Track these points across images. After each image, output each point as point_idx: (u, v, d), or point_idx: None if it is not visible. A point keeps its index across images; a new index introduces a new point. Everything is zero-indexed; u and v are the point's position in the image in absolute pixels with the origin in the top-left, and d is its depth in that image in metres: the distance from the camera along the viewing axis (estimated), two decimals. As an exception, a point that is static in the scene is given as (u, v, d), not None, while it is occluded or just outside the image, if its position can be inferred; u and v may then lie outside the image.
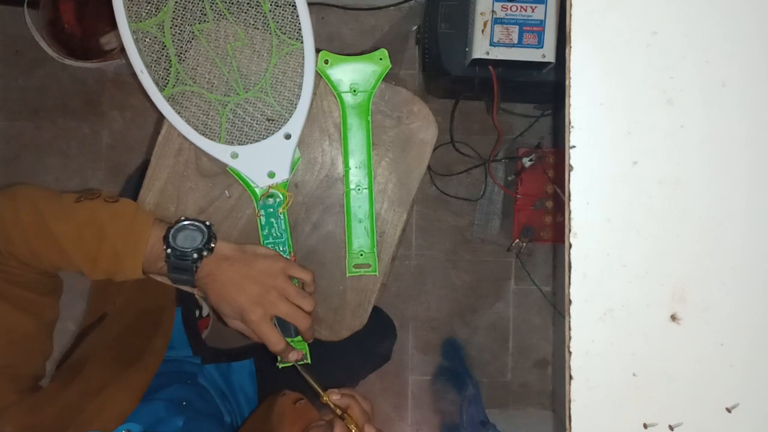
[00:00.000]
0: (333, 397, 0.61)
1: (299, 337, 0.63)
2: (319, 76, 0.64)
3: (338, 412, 0.61)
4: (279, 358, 0.63)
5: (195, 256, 0.57)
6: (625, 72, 0.44)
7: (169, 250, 0.57)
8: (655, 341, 0.45)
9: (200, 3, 0.61)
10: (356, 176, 0.66)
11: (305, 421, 0.65)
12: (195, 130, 0.62)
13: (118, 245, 0.56)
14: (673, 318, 0.45)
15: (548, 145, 1.35)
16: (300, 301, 0.60)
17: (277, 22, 0.62)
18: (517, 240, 1.26)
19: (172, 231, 0.58)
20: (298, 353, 0.63)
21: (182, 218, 0.59)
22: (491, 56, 0.97)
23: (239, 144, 0.63)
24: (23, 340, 0.58)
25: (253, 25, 0.62)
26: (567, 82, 0.44)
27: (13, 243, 0.55)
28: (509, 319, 1.43)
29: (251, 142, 0.63)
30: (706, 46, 0.44)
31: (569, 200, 0.44)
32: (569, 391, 0.45)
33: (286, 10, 0.61)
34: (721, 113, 0.44)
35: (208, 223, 0.59)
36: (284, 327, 0.60)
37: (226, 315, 0.60)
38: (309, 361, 0.65)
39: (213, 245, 0.58)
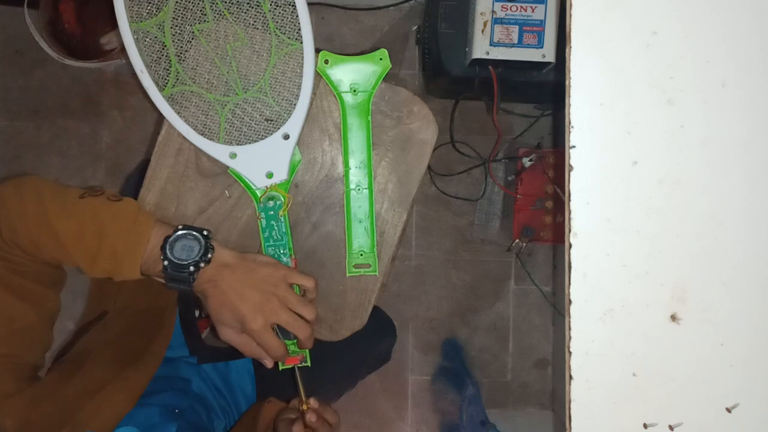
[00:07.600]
0: (309, 416, 0.62)
1: None
2: (319, 76, 0.64)
3: (308, 423, 0.62)
4: None
5: (192, 269, 0.56)
6: (625, 72, 0.44)
7: (166, 262, 0.56)
8: (655, 341, 0.45)
9: (200, 3, 0.61)
10: (356, 176, 0.66)
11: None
12: (194, 130, 0.62)
13: (118, 245, 0.56)
14: (673, 318, 0.45)
15: (548, 145, 1.35)
16: (301, 310, 0.60)
17: (277, 22, 0.61)
18: (517, 240, 1.26)
19: (169, 240, 0.57)
20: (298, 357, 0.63)
21: (179, 226, 0.58)
22: (491, 56, 0.97)
23: (238, 144, 0.63)
24: (24, 330, 0.58)
25: (252, 25, 0.62)
26: (567, 82, 0.44)
27: (17, 233, 0.55)
28: (509, 319, 1.43)
29: (250, 143, 0.63)
30: (706, 46, 0.44)
31: (569, 200, 0.44)
32: (569, 391, 0.45)
33: (285, 10, 0.61)
34: (721, 113, 0.44)
35: (205, 232, 0.58)
36: (284, 331, 0.60)
37: (225, 323, 0.59)
38: (309, 363, 0.65)
39: (210, 256, 0.58)
